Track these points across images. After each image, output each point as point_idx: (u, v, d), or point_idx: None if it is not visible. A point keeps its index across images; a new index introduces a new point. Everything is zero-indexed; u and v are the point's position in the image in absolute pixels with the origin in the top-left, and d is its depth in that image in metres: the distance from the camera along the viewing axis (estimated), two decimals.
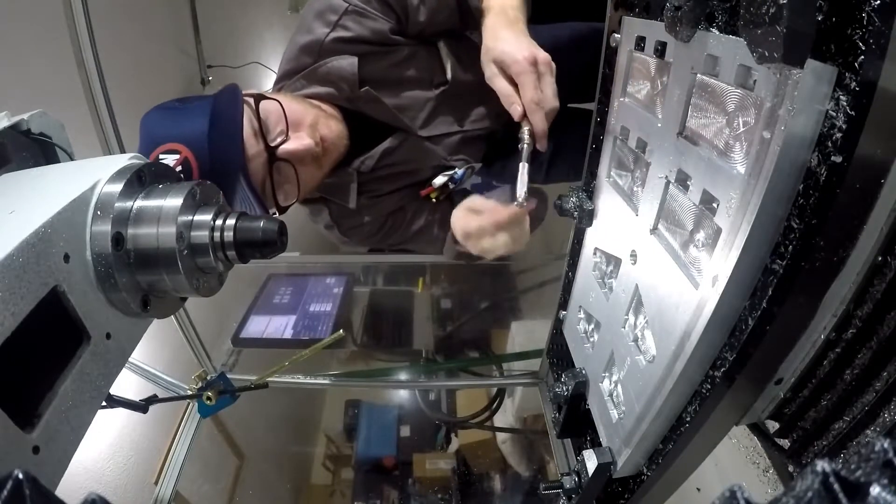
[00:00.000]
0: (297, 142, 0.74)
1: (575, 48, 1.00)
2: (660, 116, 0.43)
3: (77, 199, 0.35)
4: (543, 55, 0.69)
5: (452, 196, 0.98)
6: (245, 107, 0.71)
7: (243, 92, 0.75)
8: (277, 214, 0.78)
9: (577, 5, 1.04)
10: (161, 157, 0.64)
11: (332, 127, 0.80)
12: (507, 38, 0.72)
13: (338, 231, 0.96)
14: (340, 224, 0.95)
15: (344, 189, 0.90)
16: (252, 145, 0.70)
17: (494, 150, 1.04)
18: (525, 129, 0.69)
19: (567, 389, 0.60)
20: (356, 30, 0.82)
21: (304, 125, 0.76)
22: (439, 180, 0.90)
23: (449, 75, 0.88)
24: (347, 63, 0.81)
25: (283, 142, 0.73)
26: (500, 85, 0.71)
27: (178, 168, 0.64)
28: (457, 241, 0.81)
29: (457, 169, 0.92)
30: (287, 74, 0.87)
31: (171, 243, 0.38)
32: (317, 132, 0.76)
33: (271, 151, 0.72)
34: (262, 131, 0.71)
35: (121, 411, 0.67)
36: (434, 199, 0.93)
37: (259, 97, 0.74)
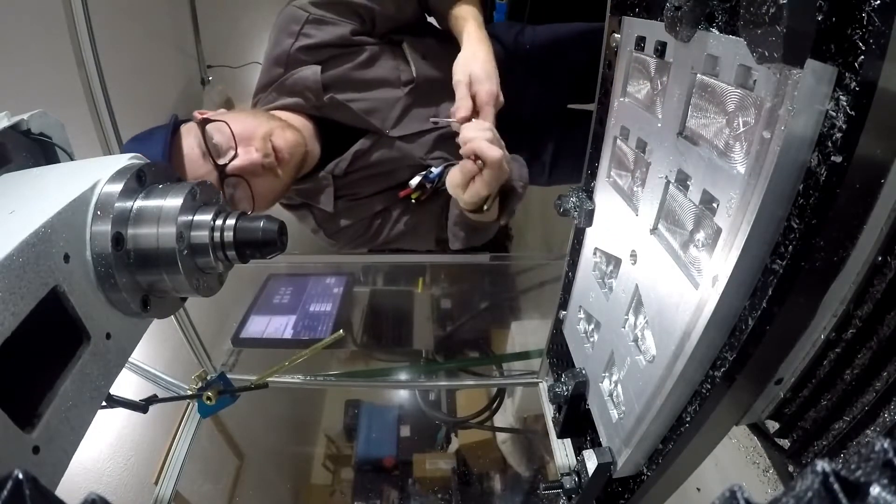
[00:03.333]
0: (244, 157, 0.78)
1: (575, 48, 1.00)
2: (660, 116, 0.43)
3: (77, 199, 0.35)
4: (501, 99, 0.79)
5: (437, 194, 0.97)
6: (193, 131, 0.77)
7: (198, 114, 0.80)
8: None
9: (577, 5, 1.04)
10: None
11: (287, 137, 0.82)
12: (485, 61, 0.79)
13: (324, 234, 0.98)
14: (325, 228, 0.97)
15: (320, 193, 0.92)
16: (200, 166, 0.76)
17: None
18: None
19: (567, 389, 0.60)
20: (318, 35, 0.86)
21: (254, 139, 0.79)
22: (415, 181, 0.91)
23: (414, 72, 0.90)
24: (310, 72, 0.86)
25: (232, 158, 0.77)
26: (461, 92, 0.78)
27: None
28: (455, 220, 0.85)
29: (432, 168, 0.92)
30: (262, 87, 0.92)
31: (171, 243, 0.38)
32: (268, 143, 0.79)
33: (221, 169, 0.76)
34: (209, 152, 0.76)
35: (121, 411, 0.67)
36: (414, 200, 0.93)
37: (204, 121, 0.78)
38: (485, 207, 0.82)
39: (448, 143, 0.94)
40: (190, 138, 0.77)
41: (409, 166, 0.94)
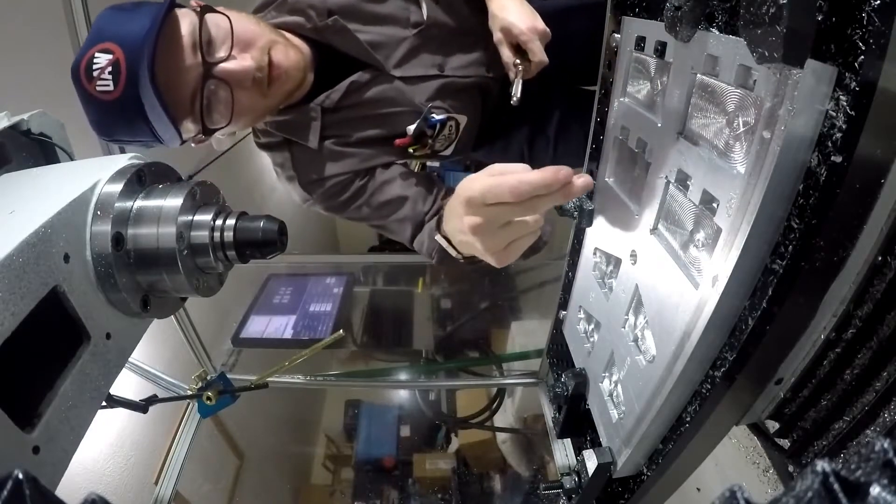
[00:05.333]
0: (237, 62, 0.70)
1: (581, 20, 0.97)
2: (660, 116, 0.43)
3: (77, 199, 0.35)
4: (542, 27, 0.78)
5: (432, 182, 0.90)
6: (190, 16, 0.69)
7: (195, 3, 0.72)
8: (203, 136, 0.74)
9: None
10: (96, 55, 0.63)
11: (289, 55, 0.75)
12: (511, 8, 0.78)
13: (299, 184, 0.88)
14: (301, 174, 0.87)
15: (305, 127, 0.84)
16: (187, 57, 0.67)
17: (492, 130, 0.99)
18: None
19: (567, 389, 0.60)
20: None
21: (254, 46, 0.72)
22: (412, 127, 0.83)
23: (424, 15, 0.85)
24: None
25: (224, 60, 0.69)
26: (504, 52, 0.79)
27: (109, 69, 0.62)
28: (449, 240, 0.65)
29: (433, 114, 0.84)
30: (260, 7, 0.85)
31: (171, 243, 0.38)
32: (266, 56, 0.72)
33: (208, 67, 0.68)
34: (201, 44, 0.67)
35: (121, 411, 0.67)
36: (412, 151, 0.86)
37: (206, 8, 0.70)
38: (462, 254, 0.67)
39: (452, 95, 0.88)
40: (185, 23, 0.67)
41: (407, 113, 0.86)
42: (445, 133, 0.87)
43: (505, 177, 0.46)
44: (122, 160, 0.41)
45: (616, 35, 0.52)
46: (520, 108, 0.79)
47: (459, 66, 0.88)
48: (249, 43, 0.72)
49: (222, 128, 0.74)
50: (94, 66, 0.63)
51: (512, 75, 0.79)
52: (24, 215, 0.32)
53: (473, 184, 0.49)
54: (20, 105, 0.48)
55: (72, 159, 0.51)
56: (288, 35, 0.80)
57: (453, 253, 0.65)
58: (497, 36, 0.80)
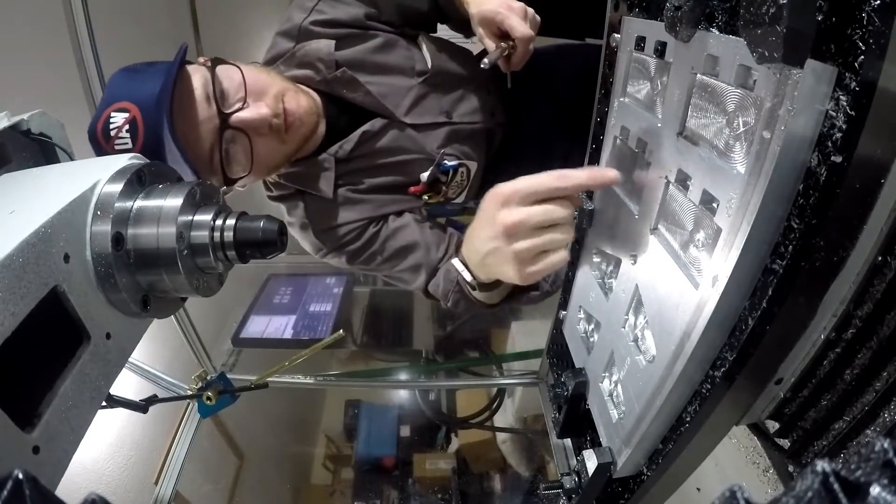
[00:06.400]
0: (253, 110, 0.71)
1: (576, 63, 0.99)
2: (660, 116, 0.43)
3: (77, 199, 0.35)
4: (519, 4, 0.75)
5: (444, 230, 0.90)
6: (201, 71, 0.71)
7: (206, 57, 0.74)
8: (225, 187, 0.75)
9: (578, 23, 1.03)
10: (112, 115, 0.64)
11: (300, 101, 0.77)
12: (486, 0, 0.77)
13: (312, 233, 0.88)
14: (315, 223, 0.88)
15: (318, 177, 0.85)
16: (203, 110, 0.69)
17: (496, 177, 0.99)
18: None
19: (567, 389, 0.60)
20: (332, 13, 0.83)
21: (267, 95, 0.74)
22: (426, 175, 0.85)
23: (429, 63, 0.86)
24: (324, 44, 0.82)
25: (238, 109, 0.71)
26: (487, 44, 0.77)
27: (126, 127, 0.63)
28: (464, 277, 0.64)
29: (445, 160, 0.86)
30: (269, 62, 0.87)
31: (171, 243, 0.38)
32: (280, 103, 0.74)
33: (224, 118, 0.70)
34: (215, 96, 0.69)
35: (121, 411, 0.67)
36: (427, 198, 0.87)
37: (216, 61, 0.72)
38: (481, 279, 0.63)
39: (461, 141, 0.89)
40: (196, 77, 0.69)
41: (420, 160, 0.87)
42: (458, 179, 0.88)
43: (547, 172, 0.48)
44: (122, 160, 0.41)
45: (616, 35, 0.52)
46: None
47: (465, 112, 0.89)
48: (262, 91, 0.73)
49: (243, 178, 0.76)
50: (111, 126, 0.64)
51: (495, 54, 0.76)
52: (24, 215, 0.32)
53: (511, 183, 0.49)
54: (20, 105, 0.48)
55: (72, 159, 0.51)
56: (298, 84, 0.81)
57: (469, 278, 0.63)
58: (478, 32, 0.79)
